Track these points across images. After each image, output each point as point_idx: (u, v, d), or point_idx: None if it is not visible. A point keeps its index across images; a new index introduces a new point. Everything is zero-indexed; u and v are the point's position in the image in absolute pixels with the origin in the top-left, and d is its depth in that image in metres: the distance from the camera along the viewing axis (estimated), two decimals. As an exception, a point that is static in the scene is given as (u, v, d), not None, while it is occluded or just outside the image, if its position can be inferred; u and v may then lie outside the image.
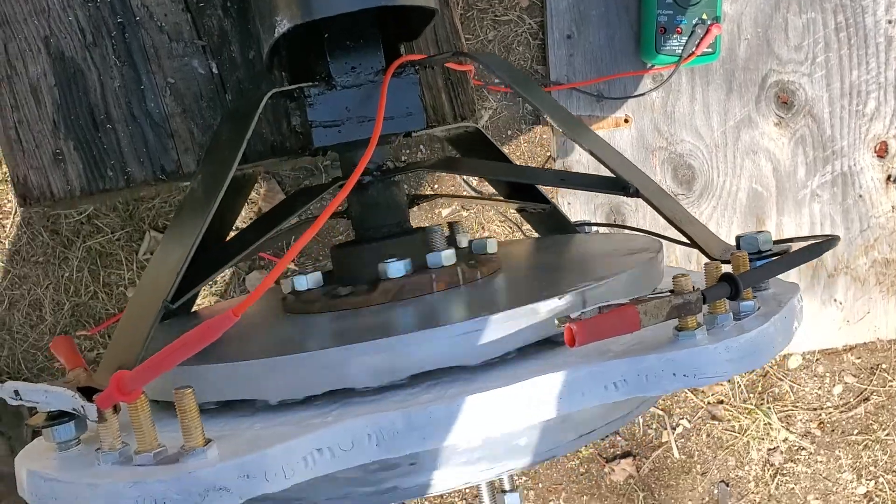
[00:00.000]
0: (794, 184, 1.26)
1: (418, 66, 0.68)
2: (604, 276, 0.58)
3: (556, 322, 0.50)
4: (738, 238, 0.61)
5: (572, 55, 1.20)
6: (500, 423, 0.49)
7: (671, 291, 0.51)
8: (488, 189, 1.19)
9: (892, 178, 1.29)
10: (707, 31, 1.14)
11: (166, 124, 0.75)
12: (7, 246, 1.07)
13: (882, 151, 1.28)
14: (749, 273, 0.54)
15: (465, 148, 0.83)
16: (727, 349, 0.50)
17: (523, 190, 0.85)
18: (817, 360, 1.37)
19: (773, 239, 0.62)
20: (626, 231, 1.00)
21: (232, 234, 0.76)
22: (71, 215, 1.06)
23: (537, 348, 0.55)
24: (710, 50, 1.16)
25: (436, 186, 1.23)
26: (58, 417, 0.52)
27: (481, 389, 0.49)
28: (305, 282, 0.67)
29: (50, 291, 1.07)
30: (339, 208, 0.74)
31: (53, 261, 1.07)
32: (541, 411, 0.49)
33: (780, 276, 0.59)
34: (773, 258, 0.59)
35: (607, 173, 0.65)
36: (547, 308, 0.54)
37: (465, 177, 1.24)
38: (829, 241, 0.58)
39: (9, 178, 0.74)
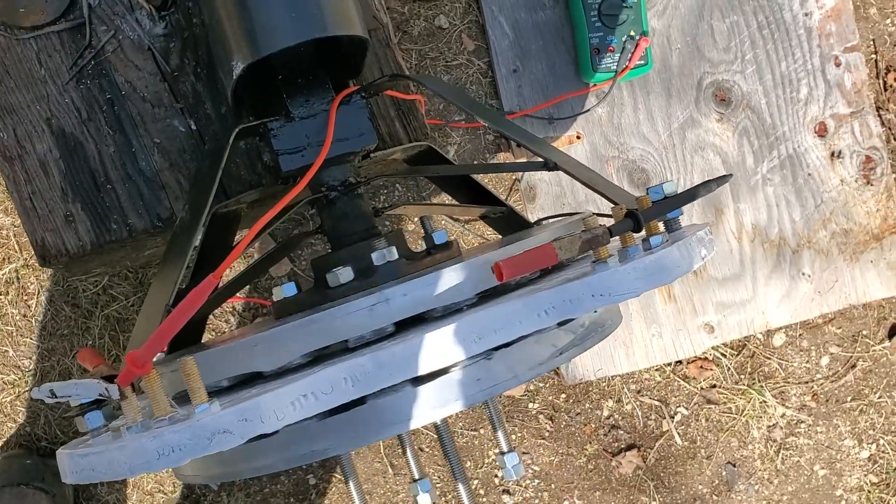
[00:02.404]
0: (745, 172, 1.37)
1: (364, 94, 0.80)
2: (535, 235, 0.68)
3: (491, 268, 0.60)
4: (647, 189, 0.71)
5: (520, 86, 1.32)
6: (454, 354, 0.58)
7: (582, 231, 0.61)
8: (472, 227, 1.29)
9: (835, 154, 1.39)
10: (637, 46, 1.27)
11: (157, 178, 0.86)
12: (34, 323, 1.18)
13: (822, 131, 1.39)
14: (648, 209, 0.64)
15: (422, 165, 0.94)
16: (634, 269, 0.60)
17: (481, 197, 0.96)
18: (800, 335, 1.45)
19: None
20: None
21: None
22: (88, 288, 1.18)
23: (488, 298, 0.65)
24: (642, 62, 1.28)
25: (415, 220, 1.34)
26: (88, 410, 0.62)
27: (436, 328, 0.59)
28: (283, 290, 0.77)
29: (76, 360, 1.18)
30: (316, 227, 0.85)
31: (77, 331, 1.18)
32: (486, 340, 0.59)
33: (695, 223, 0.68)
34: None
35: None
36: (482, 261, 0.64)
37: (446, 213, 1.35)
38: (721, 178, 0.68)
39: (28, 243, 0.85)
